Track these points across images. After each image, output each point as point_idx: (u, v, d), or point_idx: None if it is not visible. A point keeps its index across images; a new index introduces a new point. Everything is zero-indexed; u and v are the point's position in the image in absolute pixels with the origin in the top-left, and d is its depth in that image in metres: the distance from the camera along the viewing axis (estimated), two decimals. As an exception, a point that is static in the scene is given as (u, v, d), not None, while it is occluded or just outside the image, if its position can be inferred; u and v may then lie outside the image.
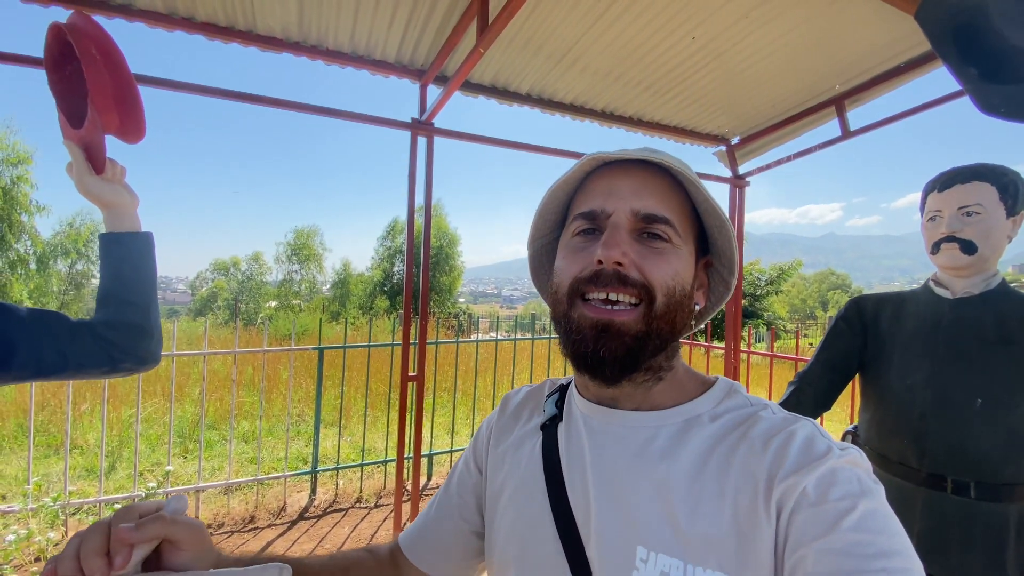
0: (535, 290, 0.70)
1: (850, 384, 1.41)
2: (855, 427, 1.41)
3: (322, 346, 3.60)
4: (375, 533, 3.14)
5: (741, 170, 3.39)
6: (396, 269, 23.83)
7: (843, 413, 4.78)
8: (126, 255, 0.93)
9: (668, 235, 0.52)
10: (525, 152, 2.93)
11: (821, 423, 4.28)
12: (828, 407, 1.36)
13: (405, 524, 2.57)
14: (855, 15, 2.04)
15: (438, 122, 2.43)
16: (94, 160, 0.89)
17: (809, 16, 2.05)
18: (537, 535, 0.55)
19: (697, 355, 6.12)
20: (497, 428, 0.68)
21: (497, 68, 2.44)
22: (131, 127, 0.89)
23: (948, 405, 1.16)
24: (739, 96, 2.83)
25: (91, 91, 0.83)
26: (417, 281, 2.41)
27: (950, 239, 1.19)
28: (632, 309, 0.50)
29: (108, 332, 0.90)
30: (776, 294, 18.40)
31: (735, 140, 3.33)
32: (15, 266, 16.87)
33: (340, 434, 3.78)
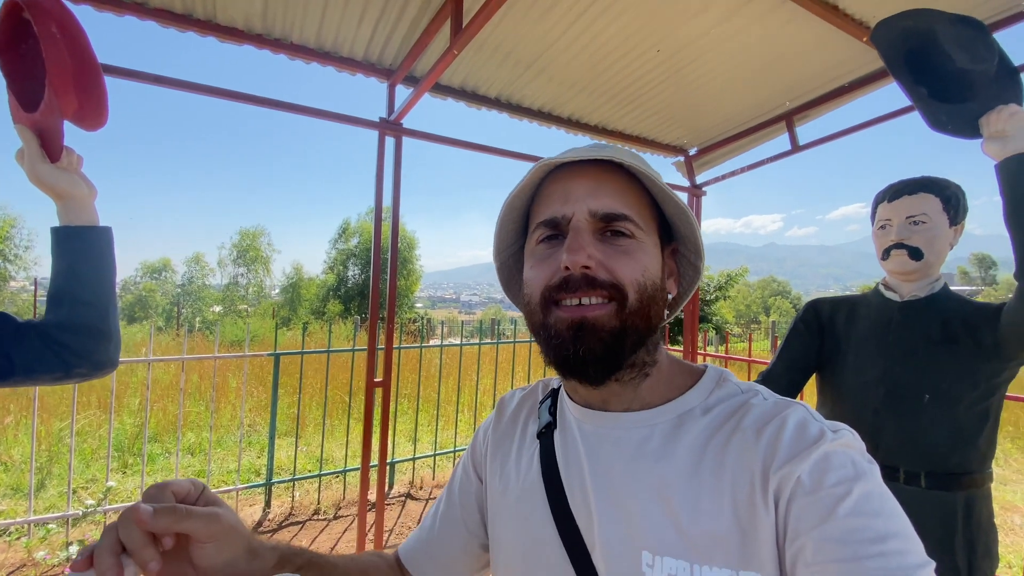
0: (493, 295, 0.68)
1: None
2: None
3: (278, 352, 3.45)
4: (334, 546, 3.03)
5: (699, 180, 3.53)
6: (350, 273, 23.22)
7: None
8: (83, 250, 0.86)
9: (630, 231, 0.52)
10: (486, 155, 2.93)
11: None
12: (790, 405, 1.43)
13: (370, 531, 2.49)
14: (806, 38, 2.18)
15: (406, 123, 2.40)
16: (49, 147, 0.82)
17: (765, 36, 2.17)
18: (542, 546, 0.54)
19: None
20: (495, 435, 0.67)
21: (467, 71, 2.44)
22: (90, 112, 0.83)
23: (899, 400, 1.24)
24: (697, 109, 2.96)
25: (49, 72, 0.77)
26: (385, 284, 2.36)
27: (899, 246, 1.28)
28: (605, 304, 0.50)
29: (61, 334, 0.83)
30: (724, 299, 19.26)
31: (693, 151, 3.47)
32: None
33: (296, 444, 3.62)
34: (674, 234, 0.59)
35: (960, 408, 1.19)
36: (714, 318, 18.27)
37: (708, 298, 18.43)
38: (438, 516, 0.68)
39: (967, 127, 1.12)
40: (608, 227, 0.52)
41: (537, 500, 0.56)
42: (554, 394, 0.64)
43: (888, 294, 1.36)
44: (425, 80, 2.01)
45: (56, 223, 0.87)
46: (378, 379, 2.29)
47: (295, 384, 5.17)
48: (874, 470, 0.44)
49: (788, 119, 2.88)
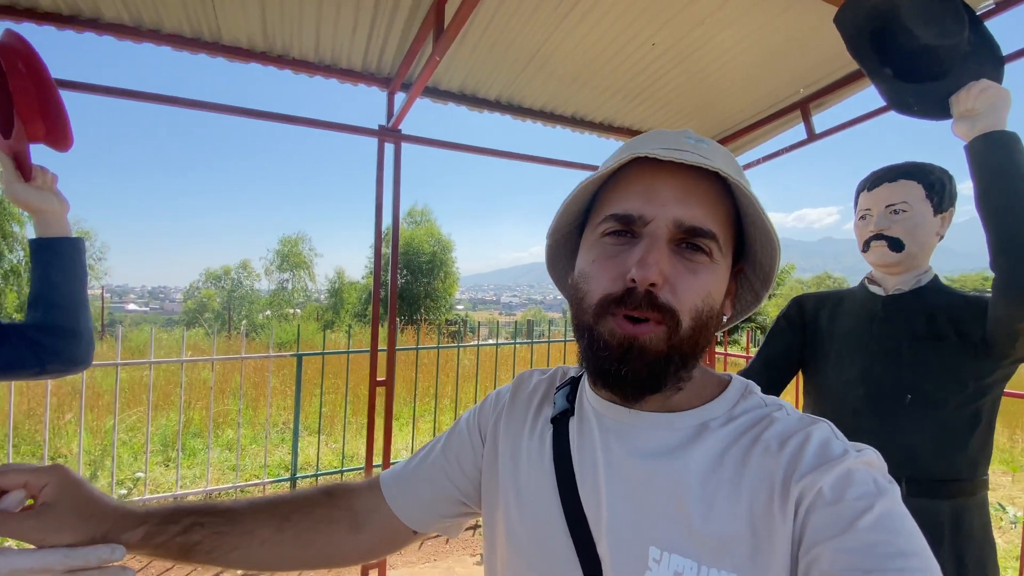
0: (533, 297, 0.67)
1: (792, 382, 1.42)
2: None
3: (300, 353, 3.61)
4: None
5: (715, 173, 3.43)
6: (389, 277, 23.74)
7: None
8: (54, 259, 0.95)
9: (710, 249, 0.49)
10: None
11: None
12: (769, 404, 1.38)
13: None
14: (809, 23, 2.08)
15: (409, 129, 2.47)
16: (22, 168, 0.91)
17: (764, 23, 2.09)
18: (548, 531, 0.54)
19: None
20: (508, 408, 0.66)
21: (464, 75, 2.47)
22: (58, 136, 0.92)
23: (879, 401, 1.18)
24: (706, 101, 2.87)
25: (16, 103, 0.85)
26: (386, 287, 2.43)
27: (878, 237, 1.21)
28: (656, 326, 0.48)
29: (37, 334, 0.92)
30: (769, 298, 18.52)
31: (708, 144, 3.38)
32: (7, 276, 16.88)
33: (320, 441, 3.77)
34: (746, 255, 0.57)
35: (946, 410, 1.12)
36: (759, 317, 17.58)
37: (792, 298, 17.77)
38: (426, 459, 0.68)
39: (936, 108, 1.05)
40: (687, 239, 0.49)
41: (546, 485, 0.56)
42: (573, 382, 0.63)
43: (873, 288, 1.29)
44: (414, 87, 2.06)
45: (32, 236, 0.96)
46: (381, 378, 2.36)
47: (327, 383, 5.39)
48: (895, 491, 0.44)
49: (803, 107, 2.76)
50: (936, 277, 1.23)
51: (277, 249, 27.31)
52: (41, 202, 0.93)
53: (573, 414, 0.60)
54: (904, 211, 1.19)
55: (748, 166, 3.27)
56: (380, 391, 2.36)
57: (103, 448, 4.43)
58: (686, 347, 0.50)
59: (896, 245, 1.19)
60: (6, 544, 0.46)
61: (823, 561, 0.41)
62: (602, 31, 2.18)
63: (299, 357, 3.60)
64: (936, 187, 1.19)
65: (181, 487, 3.38)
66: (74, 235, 0.99)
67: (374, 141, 2.42)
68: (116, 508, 0.52)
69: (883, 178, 1.23)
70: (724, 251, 0.51)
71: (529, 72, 2.48)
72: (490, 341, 4.38)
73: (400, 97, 2.48)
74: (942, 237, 1.24)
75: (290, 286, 27.19)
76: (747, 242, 0.56)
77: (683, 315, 0.48)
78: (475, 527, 3.32)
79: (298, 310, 26.23)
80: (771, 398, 0.55)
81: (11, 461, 2.73)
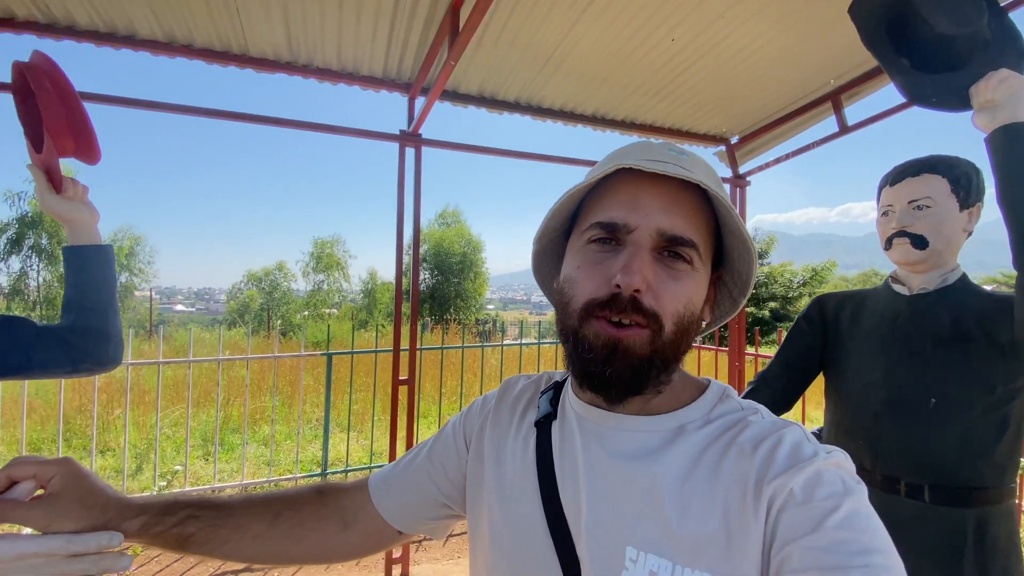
0: None
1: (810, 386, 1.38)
2: (819, 430, 1.38)
3: (330, 352, 3.71)
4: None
5: (742, 169, 3.34)
6: (422, 277, 24.20)
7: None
8: (85, 265, 1.01)
9: (690, 258, 0.51)
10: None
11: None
12: (788, 407, 1.34)
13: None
14: (835, 9, 2.00)
15: (431, 133, 2.51)
16: (53, 180, 0.98)
17: (787, 13, 2.03)
18: (529, 531, 0.56)
19: (707, 357, 5.99)
20: (494, 413, 0.67)
21: (483, 77, 2.49)
22: (85, 150, 0.98)
23: (902, 405, 1.13)
24: (733, 95, 2.80)
25: (46, 120, 0.91)
26: (408, 289, 2.48)
27: (901, 234, 1.16)
28: (640, 329, 0.50)
29: (70, 336, 0.99)
30: (810, 296, 17.88)
31: (734, 139, 3.29)
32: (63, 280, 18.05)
33: (349, 437, 3.87)
34: (725, 263, 0.59)
35: (972, 415, 1.06)
36: (796, 315, 17.00)
37: (791, 295, 17.20)
38: (412, 463, 0.70)
39: (955, 98, 0.99)
40: (669, 248, 0.51)
41: (528, 486, 0.57)
42: (557, 387, 0.65)
43: (897, 287, 1.23)
44: (432, 92, 2.09)
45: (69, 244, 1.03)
46: (403, 377, 2.41)
47: (360, 381, 5.52)
48: (862, 490, 0.46)
49: (835, 99, 2.65)
50: (964, 276, 1.17)
51: (311, 251, 28.15)
52: (72, 212, 1.00)
53: (556, 418, 0.61)
54: (928, 207, 1.13)
55: (778, 161, 3.18)
56: (403, 389, 2.41)
57: (148, 442, 4.68)
58: (668, 351, 0.51)
59: (919, 242, 1.14)
60: (14, 530, 0.52)
61: (793, 559, 0.42)
62: (620, 27, 2.16)
63: (329, 356, 3.71)
64: (962, 181, 1.13)
65: (219, 480, 3.54)
66: (103, 243, 1.06)
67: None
68: (117, 499, 0.55)
69: (906, 172, 1.17)
70: (704, 259, 0.53)
71: (548, 71, 2.47)
72: (515, 341, 4.40)
73: (420, 102, 2.52)
74: (970, 233, 1.17)
75: (325, 287, 27.98)
76: (726, 251, 0.58)
77: (666, 320, 0.50)
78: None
79: (334, 310, 26.96)
80: (748, 402, 0.56)
81: (61, 454, 2.92)
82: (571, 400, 0.60)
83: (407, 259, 2.53)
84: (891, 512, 1.11)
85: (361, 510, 0.67)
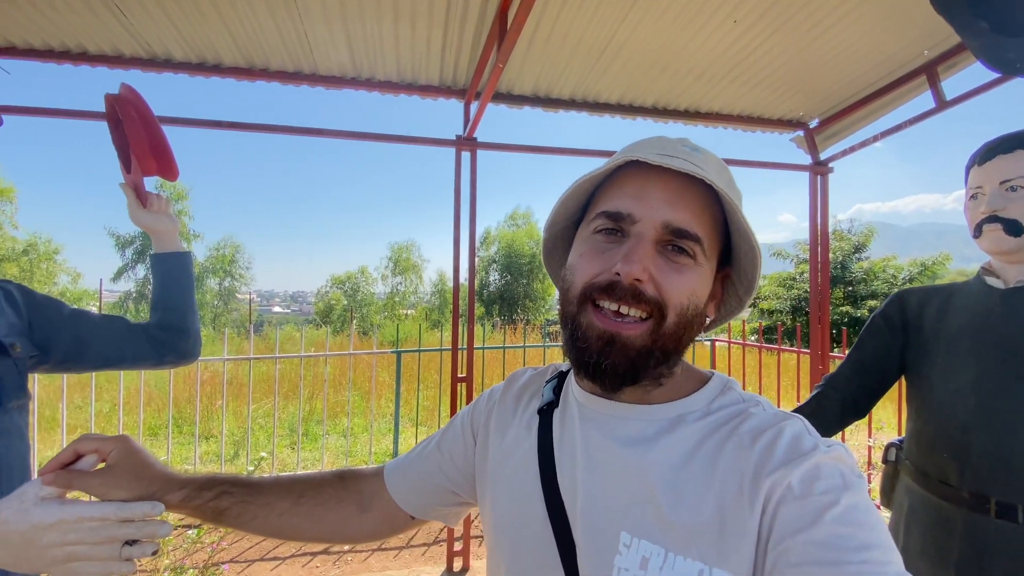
0: None
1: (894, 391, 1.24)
2: (901, 440, 1.25)
3: (399, 350, 3.89)
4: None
5: (823, 156, 3.07)
6: (491, 278, 24.64)
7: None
8: (168, 270, 1.14)
9: (694, 252, 0.51)
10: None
11: (842, 438, 3.75)
12: (861, 414, 1.22)
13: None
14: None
15: (488, 137, 2.56)
16: (140, 196, 1.12)
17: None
18: (528, 516, 0.57)
19: (789, 360, 5.56)
20: (500, 403, 0.69)
21: (536, 76, 2.49)
22: (166, 169, 1.11)
23: (994, 414, 0.99)
24: (810, 75, 2.59)
25: (132, 145, 1.05)
26: (465, 289, 2.54)
27: (992, 219, 1.02)
28: (640, 323, 0.50)
29: (157, 332, 1.12)
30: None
31: (814, 123, 3.04)
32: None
33: (417, 432, 4.04)
34: (732, 261, 0.58)
35: None
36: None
37: (894, 292, 15.45)
38: (423, 453, 0.72)
39: None
40: (674, 241, 0.51)
41: (529, 472, 0.59)
42: (561, 376, 0.66)
43: (990, 280, 1.08)
44: (483, 95, 2.12)
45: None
46: (461, 375, 2.47)
47: (431, 379, 5.75)
48: (862, 484, 0.45)
49: (930, 71, 2.37)
50: None
51: (389, 256, 29.64)
52: (156, 224, 1.14)
53: (558, 406, 0.62)
54: (1023, 187, 0.99)
55: (864, 144, 2.89)
56: (461, 387, 2.47)
57: (244, 431, 5.16)
58: (669, 343, 0.51)
59: (1014, 229, 0.99)
60: (76, 497, 0.61)
61: (791, 554, 0.42)
62: (676, 13, 2.07)
63: (398, 354, 3.89)
64: None
65: (301, 467, 3.83)
66: (184, 250, 1.19)
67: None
68: (164, 473, 0.63)
69: (997, 149, 1.03)
70: (708, 255, 0.53)
71: (602, 65, 2.42)
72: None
73: (476, 106, 2.58)
74: None
75: (402, 288, 29.35)
76: (733, 250, 0.57)
77: (669, 309, 0.50)
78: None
79: (411, 311, 28.17)
80: (750, 394, 0.55)
81: (172, 440, 3.31)
82: (573, 389, 0.61)
83: (471, 261, 2.60)
84: (980, 534, 0.98)
85: (376, 495, 0.72)
